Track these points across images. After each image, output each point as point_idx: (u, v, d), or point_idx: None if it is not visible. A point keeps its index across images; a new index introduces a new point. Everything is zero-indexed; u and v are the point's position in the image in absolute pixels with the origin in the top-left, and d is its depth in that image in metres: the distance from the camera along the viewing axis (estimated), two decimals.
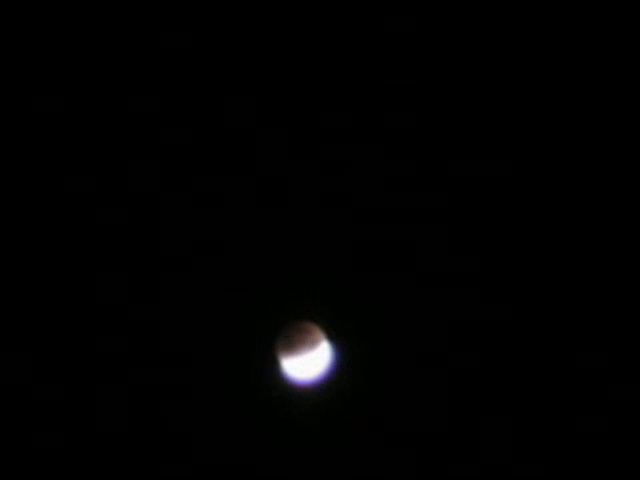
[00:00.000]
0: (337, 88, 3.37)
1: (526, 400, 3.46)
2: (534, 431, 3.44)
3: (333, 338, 3.55)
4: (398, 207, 3.46)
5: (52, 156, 3.22)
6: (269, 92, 3.35)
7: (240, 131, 3.37)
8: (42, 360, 3.27)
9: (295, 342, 3.57)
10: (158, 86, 3.27)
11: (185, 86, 3.31)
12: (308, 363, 3.58)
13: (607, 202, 3.39)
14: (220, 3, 3.19)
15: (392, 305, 3.52)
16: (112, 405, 3.31)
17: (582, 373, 3.41)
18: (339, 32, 3.32)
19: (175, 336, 3.46)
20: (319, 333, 3.55)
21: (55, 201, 3.23)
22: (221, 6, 3.22)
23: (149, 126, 3.27)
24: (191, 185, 3.35)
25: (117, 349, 3.34)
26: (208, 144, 3.34)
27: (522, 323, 3.47)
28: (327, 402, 3.57)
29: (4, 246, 3.19)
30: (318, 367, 3.56)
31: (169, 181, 3.32)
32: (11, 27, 3.06)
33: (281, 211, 3.46)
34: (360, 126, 3.39)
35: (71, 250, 3.27)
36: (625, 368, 3.38)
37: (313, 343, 3.57)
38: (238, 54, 3.33)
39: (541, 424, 3.44)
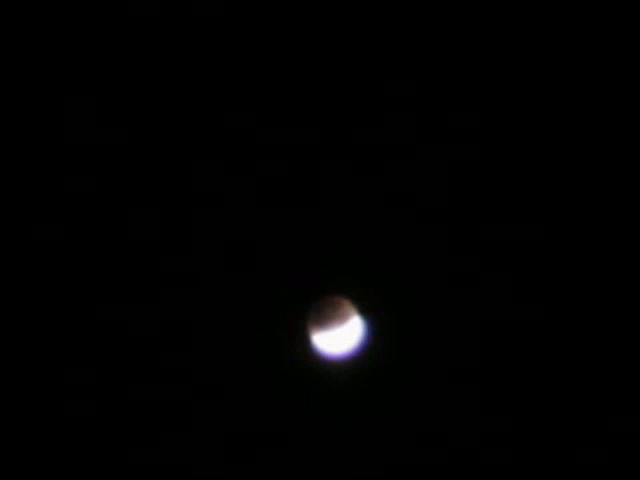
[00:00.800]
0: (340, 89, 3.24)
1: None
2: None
3: (364, 313, 3.45)
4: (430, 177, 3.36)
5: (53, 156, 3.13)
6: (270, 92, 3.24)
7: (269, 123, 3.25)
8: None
9: (326, 316, 3.48)
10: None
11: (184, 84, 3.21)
12: (339, 338, 3.50)
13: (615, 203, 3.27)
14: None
15: (425, 279, 3.42)
16: (145, 386, 3.24)
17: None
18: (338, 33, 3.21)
19: (205, 313, 3.38)
20: (350, 307, 3.46)
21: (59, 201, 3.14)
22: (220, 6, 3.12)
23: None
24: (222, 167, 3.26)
25: (148, 332, 3.26)
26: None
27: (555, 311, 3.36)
28: (358, 378, 3.49)
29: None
30: (349, 342, 3.49)
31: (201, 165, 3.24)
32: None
33: (313, 186, 3.36)
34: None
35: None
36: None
37: (344, 317, 3.48)
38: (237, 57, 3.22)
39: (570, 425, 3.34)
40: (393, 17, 3.17)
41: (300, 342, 3.46)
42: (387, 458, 3.44)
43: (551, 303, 3.32)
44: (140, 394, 3.23)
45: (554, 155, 3.26)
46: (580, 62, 3.21)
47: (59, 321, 3.14)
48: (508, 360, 3.40)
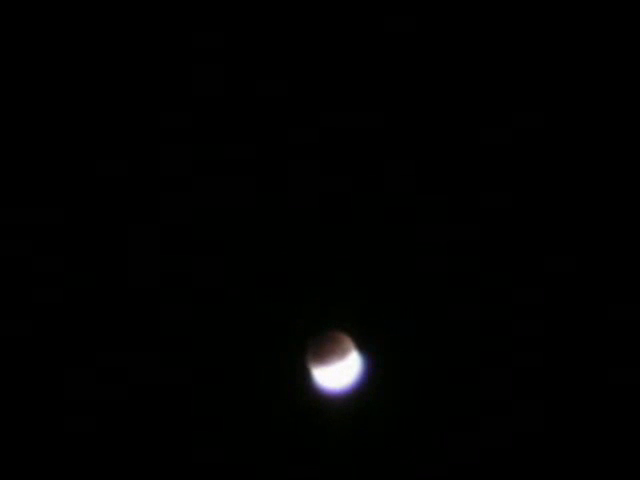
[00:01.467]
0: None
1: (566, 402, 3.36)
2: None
3: (363, 348, 3.47)
4: (428, 210, 3.37)
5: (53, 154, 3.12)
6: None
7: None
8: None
9: (325, 352, 3.50)
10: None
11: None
12: (338, 373, 3.50)
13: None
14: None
15: (423, 314, 3.45)
16: (132, 409, 3.24)
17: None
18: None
19: (204, 345, 3.41)
20: (349, 343, 3.48)
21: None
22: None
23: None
24: (220, 187, 3.26)
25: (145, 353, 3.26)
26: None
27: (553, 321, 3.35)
28: (357, 412, 3.50)
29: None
30: (348, 377, 3.49)
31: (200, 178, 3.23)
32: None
33: (309, 218, 3.39)
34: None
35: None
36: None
37: (343, 353, 3.50)
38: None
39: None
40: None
41: (300, 377, 3.47)
42: None
43: (553, 322, 3.32)
44: (139, 427, 3.25)
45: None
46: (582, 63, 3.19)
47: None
48: (510, 393, 3.39)
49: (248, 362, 3.44)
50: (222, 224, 3.33)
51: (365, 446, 3.47)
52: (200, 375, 3.40)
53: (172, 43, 3.06)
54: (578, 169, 3.27)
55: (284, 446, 3.45)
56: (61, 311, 3.13)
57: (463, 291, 3.41)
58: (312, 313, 3.46)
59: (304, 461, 3.44)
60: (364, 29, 3.15)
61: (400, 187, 3.34)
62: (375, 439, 3.49)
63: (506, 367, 3.35)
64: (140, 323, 3.25)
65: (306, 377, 3.48)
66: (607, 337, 3.27)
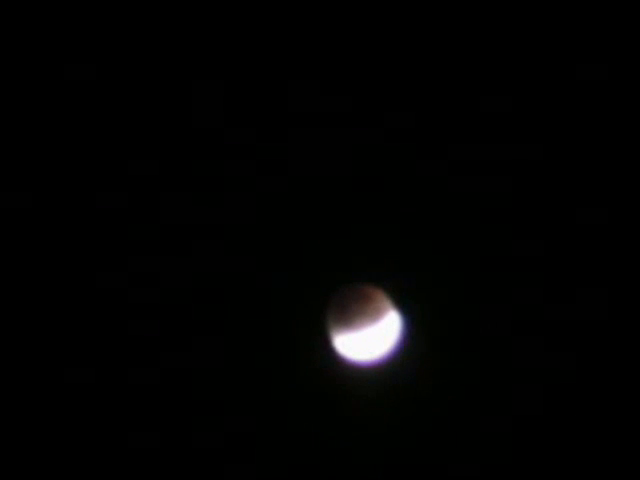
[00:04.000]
0: None
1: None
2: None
3: (402, 307, 2.74)
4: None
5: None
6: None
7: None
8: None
9: (351, 312, 2.77)
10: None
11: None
12: (368, 340, 2.80)
13: None
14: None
15: (476, 268, 2.69)
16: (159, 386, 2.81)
17: None
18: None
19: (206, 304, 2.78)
20: (383, 300, 2.77)
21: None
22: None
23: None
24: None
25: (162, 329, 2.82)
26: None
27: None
28: (392, 391, 2.77)
29: None
30: (382, 346, 2.79)
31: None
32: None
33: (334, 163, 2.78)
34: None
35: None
36: None
37: (375, 314, 2.77)
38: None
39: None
40: None
41: (319, 345, 2.77)
42: None
43: (587, 302, 2.76)
44: (153, 394, 2.80)
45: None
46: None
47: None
48: (569, 375, 2.76)
49: (254, 329, 2.73)
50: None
51: (401, 433, 2.78)
52: (200, 341, 2.79)
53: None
54: None
55: (303, 432, 2.73)
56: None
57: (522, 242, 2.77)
58: (334, 263, 2.77)
59: (328, 451, 2.77)
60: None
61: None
62: (414, 424, 2.77)
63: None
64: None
65: (327, 345, 2.78)
66: None
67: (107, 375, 2.78)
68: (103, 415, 2.78)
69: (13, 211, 2.79)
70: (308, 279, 2.76)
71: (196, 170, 2.77)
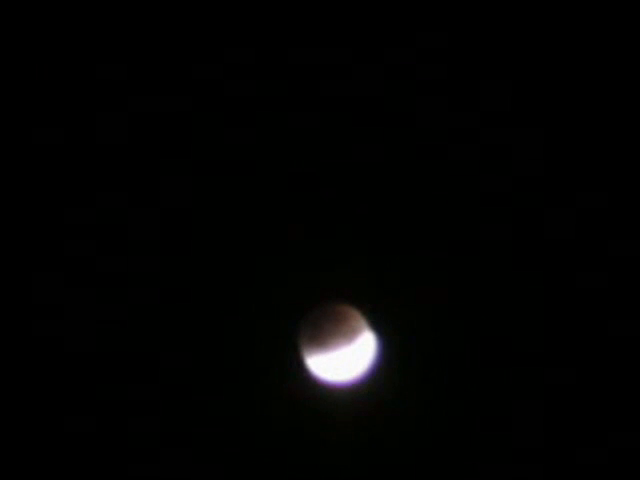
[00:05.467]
0: None
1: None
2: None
3: (378, 327, 2.64)
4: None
5: None
6: None
7: None
8: None
9: (325, 332, 2.68)
10: None
11: None
12: (343, 361, 2.70)
13: None
14: None
15: (457, 287, 2.61)
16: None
17: None
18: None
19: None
20: (358, 320, 2.67)
21: None
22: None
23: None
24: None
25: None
26: None
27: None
28: (367, 413, 2.67)
29: None
30: (357, 366, 2.69)
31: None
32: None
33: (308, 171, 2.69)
34: None
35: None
36: None
37: (350, 334, 2.68)
38: None
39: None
40: None
41: (291, 366, 2.66)
42: None
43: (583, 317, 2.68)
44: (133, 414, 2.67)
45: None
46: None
47: None
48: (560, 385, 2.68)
49: (222, 349, 2.59)
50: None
51: (376, 456, 2.68)
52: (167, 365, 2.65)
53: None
54: None
55: (273, 456, 2.62)
56: None
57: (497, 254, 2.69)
58: (306, 280, 2.67)
59: (299, 474, 2.67)
60: None
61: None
62: (389, 448, 2.68)
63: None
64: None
65: (300, 366, 2.68)
66: None
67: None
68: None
69: None
70: (279, 297, 2.65)
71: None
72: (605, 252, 2.64)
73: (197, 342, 2.64)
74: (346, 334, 2.67)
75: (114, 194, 2.69)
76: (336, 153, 2.66)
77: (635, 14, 2.69)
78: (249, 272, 2.64)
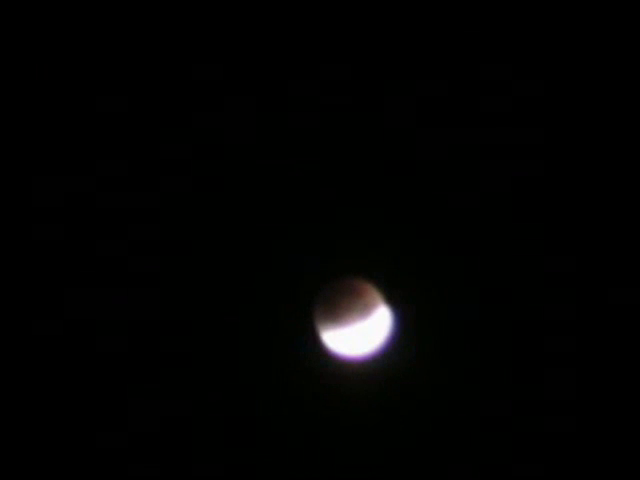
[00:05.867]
0: None
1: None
2: None
3: (393, 301, 2.62)
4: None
5: None
6: None
7: None
8: None
9: (340, 307, 2.66)
10: None
11: None
12: (358, 336, 2.68)
13: None
14: None
15: (474, 262, 2.59)
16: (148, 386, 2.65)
17: None
18: None
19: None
20: (373, 294, 2.65)
21: None
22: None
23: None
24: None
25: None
26: None
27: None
28: (382, 389, 2.67)
29: None
30: (372, 342, 2.68)
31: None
32: None
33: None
34: None
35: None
36: None
37: (365, 309, 2.66)
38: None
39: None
40: None
41: (306, 340, 2.65)
42: None
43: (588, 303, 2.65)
44: (144, 393, 2.66)
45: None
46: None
47: None
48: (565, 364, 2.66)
49: (239, 324, 2.58)
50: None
51: (392, 433, 2.67)
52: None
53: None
54: None
55: (289, 431, 2.62)
56: None
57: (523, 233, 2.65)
58: (322, 255, 2.65)
59: (315, 450, 2.65)
60: None
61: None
62: (405, 424, 2.66)
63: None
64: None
65: (315, 341, 2.67)
66: None
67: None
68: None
69: None
70: (294, 272, 2.64)
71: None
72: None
73: (210, 317, 2.64)
74: (361, 309, 2.66)
75: (118, 194, 2.68)
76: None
77: (635, 14, 2.66)
78: (267, 248, 2.63)
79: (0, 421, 2.63)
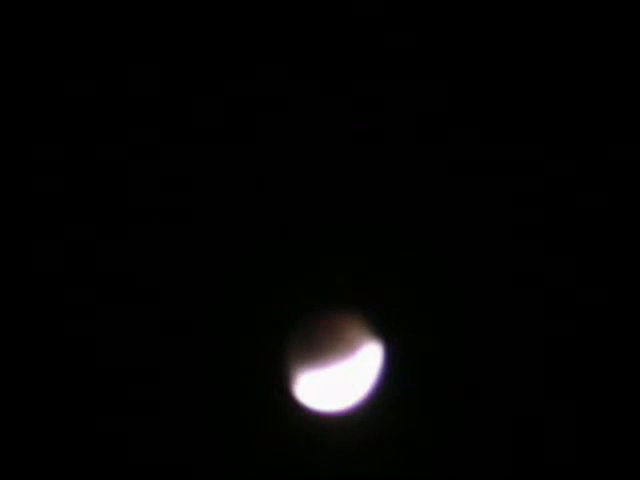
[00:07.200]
0: None
1: None
2: None
3: (384, 337, 2.13)
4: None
5: None
6: None
7: None
8: None
9: (317, 346, 2.14)
10: None
11: None
12: (339, 381, 2.14)
13: None
14: None
15: (479, 286, 2.16)
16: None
17: None
18: None
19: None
20: (359, 329, 2.14)
21: None
22: None
23: None
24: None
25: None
26: None
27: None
28: (370, 448, 2.15)
29: None
30: (357, 388, 2.15)
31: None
32: None
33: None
34: None
35: None
36: None
37: (347, 347, 2.14)
38: None
39: None
40: None
41: (274, 391, 2.13)
42: None
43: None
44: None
45: None
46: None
47: None
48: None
49: (195, 369, 2.06)
50: None
51: None
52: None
53: None
54: None
55: None
56: None
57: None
58: (298, 287, 2.15)
59: None
60: None
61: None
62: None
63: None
64: None
65: (288, 388, 2.15)
66: None
67: None
68: None
69: None
70: (262, 304, 2.12)
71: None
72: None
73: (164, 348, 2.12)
74: (343, 348, 2.15)
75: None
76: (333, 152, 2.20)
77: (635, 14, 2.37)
78: (226, 275, 2.11)
79: None
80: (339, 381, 2.15)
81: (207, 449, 2.10)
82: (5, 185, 2.33)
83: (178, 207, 2.18)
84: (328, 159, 2.15)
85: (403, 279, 2.15)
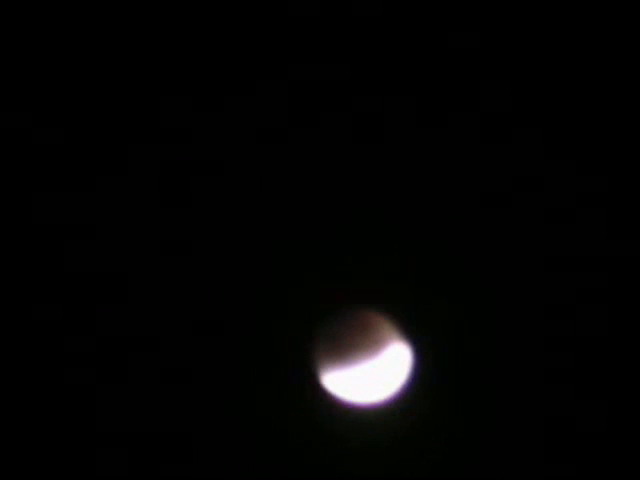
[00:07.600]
0: None
1: None
2: None
3: (412, 337, 2.13)
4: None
5: None
6: None
7: None
8: None
9: (345, 345, 2.14)
10: None
11: None
12: (367, 379, 2.16)
13: None
14: None
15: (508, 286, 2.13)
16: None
17: None
18: None
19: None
20: (388, 328, 2.14)
21: None
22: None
23: None
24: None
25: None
26: None
27: None
28: (397, 442, 2.16)
29: None
30: (384, 386, 2.17)
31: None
32: None
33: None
34: None
35: None
36: None
37: (376, 346, 2.15)
38: None
39: None
40: None
41: (305, 385, 2.16)
42: None
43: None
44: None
45: None
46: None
47: None
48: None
49: (226, 367, 2.16)
50: None
51: None
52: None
53: None
54: None
55: None
56: None
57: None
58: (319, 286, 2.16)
59: None
60: None
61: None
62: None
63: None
64: None
65: (315, 386, 2.17)
66: None
67: None
68: None
69: None
70: (290, 303, 2.14)
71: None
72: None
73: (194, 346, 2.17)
74: (371, 346, 2.16)
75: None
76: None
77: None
78: (249, 272, 2.13)
79: None
80: (369, 376, 2.17)
81: (239, 440, 2.16)
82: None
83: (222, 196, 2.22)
84: (365, 162, 2.15)
85: (433, 276, 2.14)
